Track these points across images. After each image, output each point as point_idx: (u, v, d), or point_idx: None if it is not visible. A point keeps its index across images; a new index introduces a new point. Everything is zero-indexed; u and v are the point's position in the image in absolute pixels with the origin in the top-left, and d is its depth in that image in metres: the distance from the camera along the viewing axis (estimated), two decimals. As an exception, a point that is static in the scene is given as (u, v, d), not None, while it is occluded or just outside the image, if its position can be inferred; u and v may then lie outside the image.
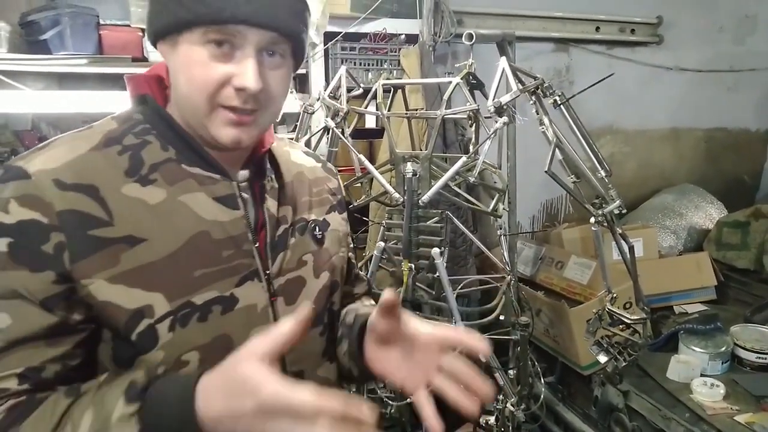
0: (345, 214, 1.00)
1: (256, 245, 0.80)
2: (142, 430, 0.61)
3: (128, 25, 2.00)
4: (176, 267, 0.72)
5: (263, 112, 0.76)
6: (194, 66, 0.71)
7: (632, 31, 2.98)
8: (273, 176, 0.87)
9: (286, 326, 0.60)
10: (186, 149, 0.77)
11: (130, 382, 0.64)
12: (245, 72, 0.70)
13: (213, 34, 0.70)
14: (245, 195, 0.81)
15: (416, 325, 0.77)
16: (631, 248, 1.60)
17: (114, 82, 1.96)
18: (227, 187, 0.78)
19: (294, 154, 0.95)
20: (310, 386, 0.57)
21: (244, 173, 0.82)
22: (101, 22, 1.98)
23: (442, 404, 0.75)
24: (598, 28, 2.91)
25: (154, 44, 0.77)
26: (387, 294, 0.73)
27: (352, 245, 1.05)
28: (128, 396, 0.62)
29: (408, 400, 1.75)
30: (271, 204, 0.84)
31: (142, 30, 1.99)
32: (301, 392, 0.56)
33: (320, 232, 0.91)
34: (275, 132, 0.93)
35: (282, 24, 0.72)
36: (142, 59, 1.98)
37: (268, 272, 0.81)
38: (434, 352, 0.76)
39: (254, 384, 0.57)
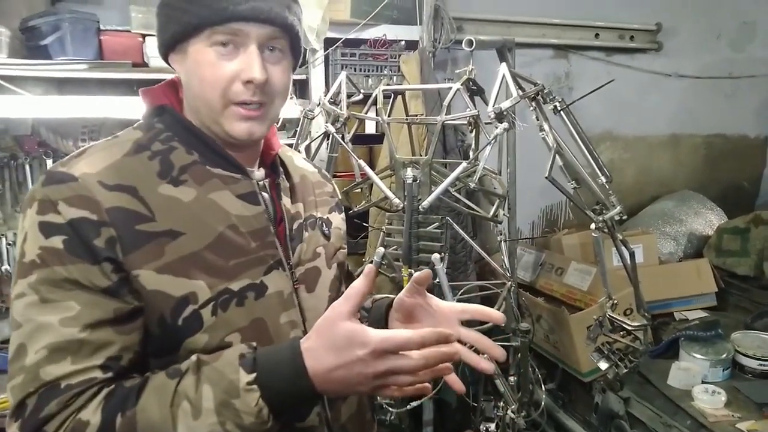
0: (343, 215, 1.08)
1: (278, 238, 0.87)
2: (262, 394, 0.68)
3: (128, 31, 2.00)
4: (214, 257, 0.79)
5: (270, 105, 0.83)
6: (204, 66, 0.78)
7: (631, 37, 2.99)
8: (284, 176, 0.96)
9: (360, 285, 0.72)
10: (208, 152, 0.84)
11: (240, 355, 0.71)
12: (251, 65, 0.78)
13: (218, 35, 0.77)
14: (264, 192, 0.89)
15: (437, 301, 0.89)
16: (632, 254, 1.59)
17: (114, 87, 1.96)
18: (248, 186, 0.86)
19: (296, 159, 1.05)
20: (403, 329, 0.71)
21: (260, 173, 0.90)
22: (101, 27, 1.98)
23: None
24: (597, 35, 2.92)
25: (166, 59, 0.84)
26: (421, 272, 0.83)
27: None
28: (245, 366, 0.69)
29: (408, 406, 1.75)
30: (286, 201, 0.93)
31: (143, 35, 2.00)
32: (402, 332, 0.69)
33: (327, 228, 1.00)
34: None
35: (277, 18, 0.79)
36: (142, 65, 1.98)
37: (289, 262, 0.88)
38: (453, 324, 0.87)
39: (361, 336, 0.68)
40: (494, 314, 0.85)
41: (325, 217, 1.01)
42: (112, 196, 0.74)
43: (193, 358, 0.73)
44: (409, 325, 0.91)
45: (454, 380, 0.82)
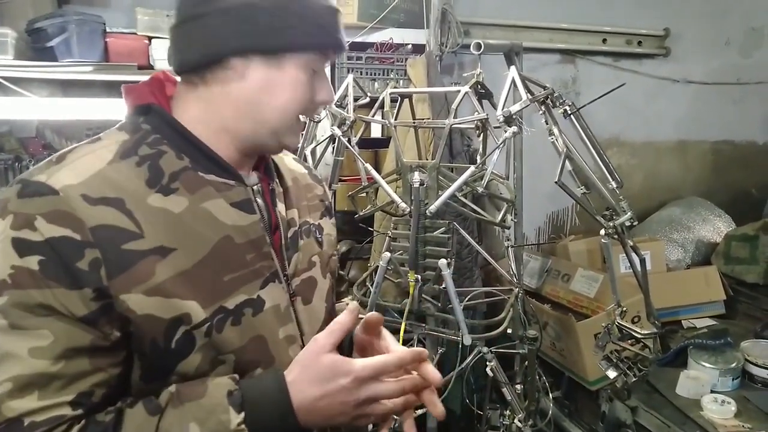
0: (333, 220, 1.05)
1: (273, 247, 0.82)
2: None
3: (134, 33, 2.00)
4: (207, 273, 0.73)
5: None
6: (300, 86, 0.78)
7: (639, 43, 2.97)
8: (277, 181, 0.91)
9: (345, 320, 0.74)
10: (200, 157, 0.78)
11: (228, 392, 0.69)
12: (329, 89, 0.82)
13: (319, 62, 0.79)
14: (258, 199, 0.84)
15: (390, 343, 0.86)
16: (643, 261, 1.57)
17: (119, 89, 1.95)
18: (243, 193, 0.80)
19: (287, 160, 0.99)
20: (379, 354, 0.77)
21: (253, 178, 0.84)
22: (107, 29, 1.98)
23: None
24: (604, 40, 2.90)
25: (234, 54, 0.75)
26: (372, 316, 0.84)
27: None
28: (234, 406, 0.68)
29: (415, 413, 1.72)
30: (280, 207, 0.88)
31: (149, 38, 1.99)
32: (379, 357, 0.74)
33: (320, 235, 0.96)
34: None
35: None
36: (147, 67, 1.98)
37: (286, 273, 0.84)
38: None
39: (343, 366, 0.71)
40: (429, 374, 0.80)
41: (317, 223, 0.96)
42: (96, 211, 0.67)
43: (172, 389, 0.69)
44: (363, 356, 0.89)
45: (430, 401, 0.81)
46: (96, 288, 0.66)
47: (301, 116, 0.82)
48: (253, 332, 0.77)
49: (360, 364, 0.71)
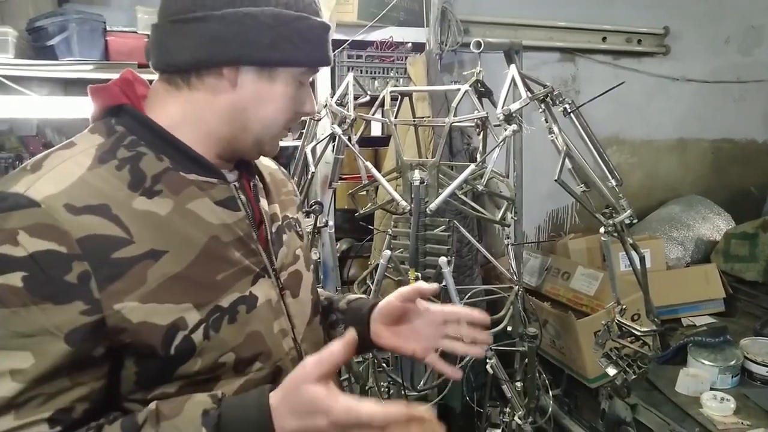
0: (302, 215, 1.07)
1: (259, 243, 0.83)
2: None
3: (135, 32, 2.00)
4: (199, 274, 0.73)
5: None
6: (287, 99, 0.79)
7: (639, 41, 2.98)
8: (257, 177, 0.92)
9: (338, 352, 0.67)
10: (180, 156, 0.76)
11: (204, 411, 0.66)
12: (312, 101, 0.84)
13: (307, 76, 0.81)
14: (242, 195, 0.83)
15: (426, 304, 0.93)
16: (642, 259, 1.57)
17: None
18: (225, 190, 0.80)
19: (262, 157, 0.97)
20: (373, 400, 0.69)
21: (233, 175, 0.84)
22: (108, 28, 1.98)
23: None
24: (604, 38, 2.90)
25: (229, 64, 0.74)
26: (431, 285, 0.91)
27: None
28: (207, 426, 0.65)
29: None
30: (263, 202, 0.88)
31: (149, 36, 1.99)
32: (368, 406, 0.65)
33: (300, 229, 0.98)
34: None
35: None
36: (147, 66, 1.98)
37: (274, 267, 0.84)
38: (440, 325, 0.93)
39: (324, 403, 0.64)
40: (477, 316, 0.92)
41: (295, 216, 0.97)
42: (81, 221, 0.65)
43: (152, 406, 0.67)
44: (394, 327, 0.95)
45: None
46: (86, 302, 0.64)
47: (286, 127, 0.84)
48: (250, 328, 0.77)
49: (342, 407, 0.64)
